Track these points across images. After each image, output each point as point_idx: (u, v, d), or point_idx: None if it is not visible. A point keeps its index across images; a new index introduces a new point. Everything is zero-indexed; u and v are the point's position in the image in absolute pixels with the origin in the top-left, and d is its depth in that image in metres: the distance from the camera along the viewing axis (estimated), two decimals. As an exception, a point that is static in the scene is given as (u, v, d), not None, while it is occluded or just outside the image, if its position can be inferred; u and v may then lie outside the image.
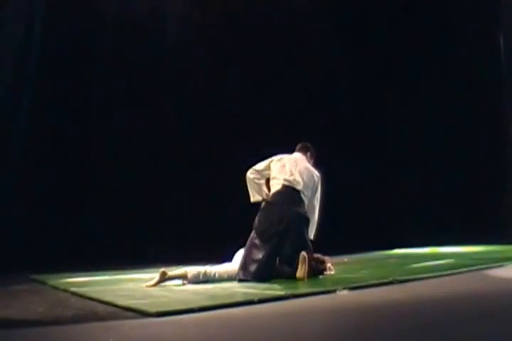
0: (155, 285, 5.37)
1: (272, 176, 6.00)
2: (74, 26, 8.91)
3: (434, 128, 11.04)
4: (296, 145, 6.35)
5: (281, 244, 5.57)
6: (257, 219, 5.78)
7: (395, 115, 11.54)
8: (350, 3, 11.09)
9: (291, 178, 5.85)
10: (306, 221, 5.75)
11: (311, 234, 5.91)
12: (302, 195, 5.79)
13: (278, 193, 5.83)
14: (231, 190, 8.81)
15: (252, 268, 5.51)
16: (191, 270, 5.57)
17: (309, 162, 6.22)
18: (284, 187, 5.83)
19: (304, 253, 5.41)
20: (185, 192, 9.44)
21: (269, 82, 10.24)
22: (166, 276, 5.44)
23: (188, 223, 9.19)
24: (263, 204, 5.89)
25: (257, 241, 5.63)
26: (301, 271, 5.37)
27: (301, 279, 5.34)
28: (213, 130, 9.80)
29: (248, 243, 5.70)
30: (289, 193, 5.79)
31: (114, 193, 8.93)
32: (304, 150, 6.27)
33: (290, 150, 6.29)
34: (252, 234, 5.72)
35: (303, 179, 5.85)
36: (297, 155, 6.22)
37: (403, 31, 11.10)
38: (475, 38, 10.57)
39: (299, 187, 5.80)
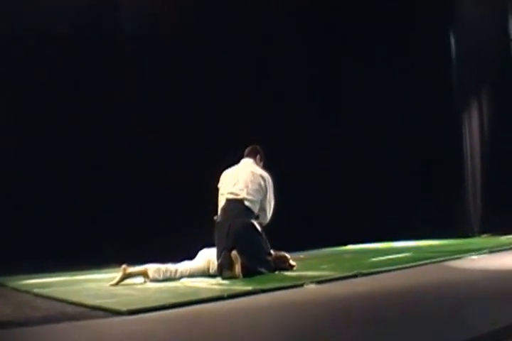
0: (118, 282, 5.37)
1: (220, 193, 6.07)
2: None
3: (387, 122, 11.16)
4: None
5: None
6: None
7: (341, 109, 11.61)
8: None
9: (233, 189, 5.90)
10: (251, 228, 5.74)
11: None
12: (247, 202, 5.81)
13: (221, 211, 5.92)
14: (196, 188, 8.83)
15: None
16: (152, 267, 5.58)
17: (259, 164, 6.25)
18: (227, 202, 5.89)
19: (234, 252, 5.48)
20: (144, 191, 9.34)
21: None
22: (128, 273, 5.43)
23: (147, 222, 9.12)
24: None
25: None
26: (236, 269, 5.45)
27: (237, 277, 5.41)
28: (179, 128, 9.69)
29: None
30: (232, 206, 5.84)
31: (67, 192, 8.76)
32: (253, 154, 6.30)
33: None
34: None
35: (247, 185, 5.87)
36: (244, 162, 6.26)
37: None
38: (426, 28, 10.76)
39: (242, 195, 5.82)
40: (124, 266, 5.45)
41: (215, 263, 5.71)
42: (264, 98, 10.48)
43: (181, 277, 5.63)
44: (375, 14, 11.02)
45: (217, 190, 6.09)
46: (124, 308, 3.79)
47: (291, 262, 5.94)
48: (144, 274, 5.53)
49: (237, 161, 6.31)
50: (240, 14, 10.25)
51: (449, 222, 10.02)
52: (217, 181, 6.14)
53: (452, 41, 10.63)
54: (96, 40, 9.18)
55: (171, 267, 5.67)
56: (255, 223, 5.79)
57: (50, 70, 8.76)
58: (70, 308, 4.12)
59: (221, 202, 6.00)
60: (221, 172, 6.20)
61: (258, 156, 6.28)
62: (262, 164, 6.27)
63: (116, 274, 5.50)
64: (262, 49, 10.65)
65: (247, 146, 6.40)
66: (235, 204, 5.83)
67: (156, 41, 9.61)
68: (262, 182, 5.94)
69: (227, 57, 10.11)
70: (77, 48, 9.03)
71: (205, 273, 5.77)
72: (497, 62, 10.39)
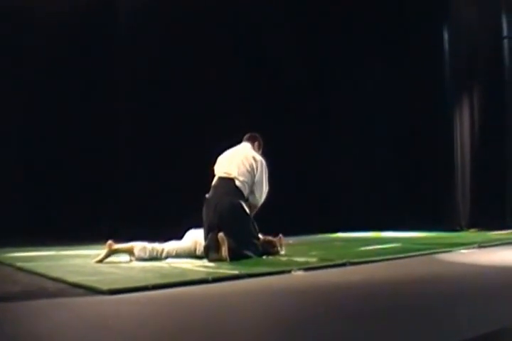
0: (103, 259, 5.32)
1: (215, 174, 6.03)
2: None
3: (377, 113, 11.13)
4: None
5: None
6: None
7: (334, 100, 11.55)
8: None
9: (226, 169, 5.88)
10: (239, 208, 5.69)
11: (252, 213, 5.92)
12: (238, 182, 5.76)
13: (212, 188, 5.89)
14: (188, 168, 8.81)
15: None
16: (138, 244, 5.51)
17: (257, 151, 6.22)
18: (219, 179, 5.88)
19: (221, 234, 5.43)
20: (135, 169, 9.31)
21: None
22: (113, 249, 5.38)
23: (140, 200, 9.09)
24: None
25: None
26: (223, 252, 5.40)
27: (224, 260, 5.35)
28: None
29: None
30: (223, 184, 5.81)
31: (58, 167, 8.72)
32: (251, 140, 6.28)
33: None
34: None
35: (238, 166, 5.83)
36: (240, 145, 6.23)
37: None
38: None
39: (234, 175, 5.78)
40: (109, 241, 5.39)
41: (202, 244, 5.65)
42: (262, 88, 10.57)
43: (167, 257, 5.58)
44: (370, 11, 11.00)
45: (213, 171, 6.03)
46: (104, 287, 3.72)
47: (281, 244, 5.91)
48: (130, 251, 5.47)
49: (234, 146, 6.26)
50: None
51: (437, 215, 10.07)
52: (213, 163, 6.09)
53: (445, 38, 10.56)
54: (93, 34, 9.22)
55: (157, 246, 5.61)
56: (243, 204, 5.72)
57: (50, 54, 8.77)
58: (50, 284, 4.05)
59: (213, 182, 5.96)
60: (217, 155, 6.14)
61: (256, 143, 6.26)
62: (260, 152, 6.23)
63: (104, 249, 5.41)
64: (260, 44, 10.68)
65: (245, 133, 6.36)
66: (226, 182, 5.79)
67: (154, 27, 9.66)
68: (254, 164, 5.89)
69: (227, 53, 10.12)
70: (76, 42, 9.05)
71: (192, 254, 5.70)
72: (489, 59, 10.32)
